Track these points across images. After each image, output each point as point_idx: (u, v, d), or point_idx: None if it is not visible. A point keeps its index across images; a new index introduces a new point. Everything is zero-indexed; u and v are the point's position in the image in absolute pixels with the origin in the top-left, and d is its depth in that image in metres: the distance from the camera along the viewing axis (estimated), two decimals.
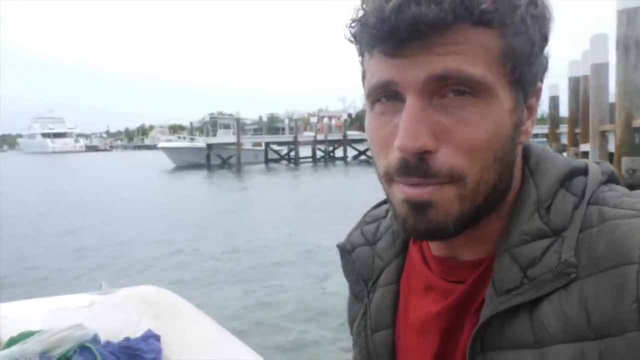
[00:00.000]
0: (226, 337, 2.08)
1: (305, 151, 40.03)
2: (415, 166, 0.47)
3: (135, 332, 2.06)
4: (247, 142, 38.82)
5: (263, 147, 39.21)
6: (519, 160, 0.54)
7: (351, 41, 0.52)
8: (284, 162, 39.50)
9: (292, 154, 38.29)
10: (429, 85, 0.46)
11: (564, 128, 17.27)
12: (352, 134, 47.54)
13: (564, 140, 15.98)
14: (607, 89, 9.81)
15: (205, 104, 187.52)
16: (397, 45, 0.46)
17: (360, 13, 0.48)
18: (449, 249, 0.56)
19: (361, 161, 40.15)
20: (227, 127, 41.51)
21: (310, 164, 37.62)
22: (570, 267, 0.46)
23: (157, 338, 2.03)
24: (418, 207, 0.48)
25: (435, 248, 0.58)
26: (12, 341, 1.79)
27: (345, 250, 0.68)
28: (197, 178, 25.91)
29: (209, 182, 24.70)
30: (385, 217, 0.68)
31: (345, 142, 40.47)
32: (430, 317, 0.56)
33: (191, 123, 39.48)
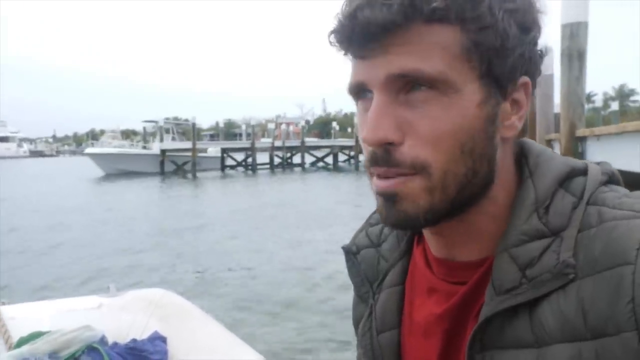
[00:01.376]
0: (232, 340, 2.08)
1: (262, 157, 39.75)
2: (381, 157, 0.49)
3: (142, 334, 2.07)
4: (212, 150, 38.06)
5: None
6: (508, 158, 0.54)
7: (334, 47, 0.54)
8: (241, 168, 39.01)
9: (250, 160, 37.85)
10: (391, 83, 0.48)
11: None
12: (310, 140, 47.69)
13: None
14: (553, 99, 10.22)
15: (163, 107, 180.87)
16: (359, 48, 0.49)
17: (334, 21, 0.50)
18: (447, 249, 0.56)
19: (319, 168, 40.31)
20: (182, 133, 40.48)
21: (268, 171, 37.36)
22: (568, 268, 0.47)
23: (163, 340, 2.05)
24: (387, 198, 0.50)
25: (435, 249, 0.58)
26: (22, 341, 1.82)
27: (351, 252, 0.68)
28: (141, 186, 24.71)
29: (159, 190, 23.90)
30: None
31: (303, 149, 40.52)
32: (433, 318, 0.56)
33: (144, 128, 38.11)
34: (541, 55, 0.52)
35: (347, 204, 15.87)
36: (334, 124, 56.93)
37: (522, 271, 0.49)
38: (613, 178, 0.54)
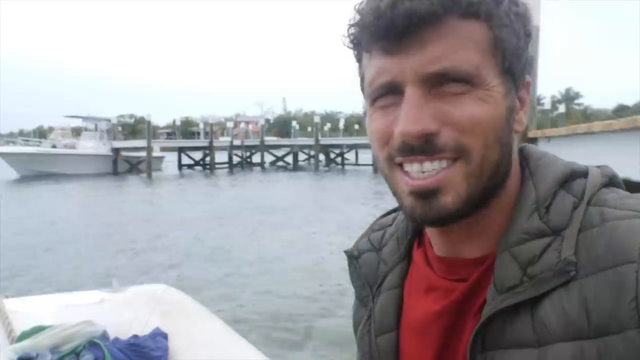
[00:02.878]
0: (233, 337, 2.09)
1: (221, 157, 39.08)
2: (419, 147, 0.49)
3: (143, 329, 2.07)
4: (157, 146, 36.80)
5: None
6: (515, 157, 0.55)
7: (350, 47, 0.54)
8: (199, 168, 38.19)
9: (208, 159, 37.13)
10: (427, 79, 0.49)
11: None
12: (270, 139, 47.38)
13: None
14: None
15: (121, 102, 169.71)
16: (395, 40, 0.49)
17: (357, 17, 0.51)
18: (451, 247, 0.56)
19: (278, 167, 40.09)
20: (136, 131, 39.02)
21: (227, 170, 36.77)
22: (569, 265, 0.47)
23: (164, 336, 2.04)
24: (426, 195, 0.50)
25: (438, 248, 0.58)
26: (24, 335, 1.83)
27: (353, 257, 0.69)
28: (82, 188, 23.03)
29: (108, 191, 22.84)
30: (391, 224, 0.68)
31: (263, 148, 40.20)
32: (431, 316, 0.56)
33: (96, 125, 36.42)
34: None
35: (308, 202, 15.81)
36: (294, 123, 56.83)
37: (523, 269, 0.49)
38: (614, 181, 0.54)
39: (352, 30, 0.52)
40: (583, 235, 0.48)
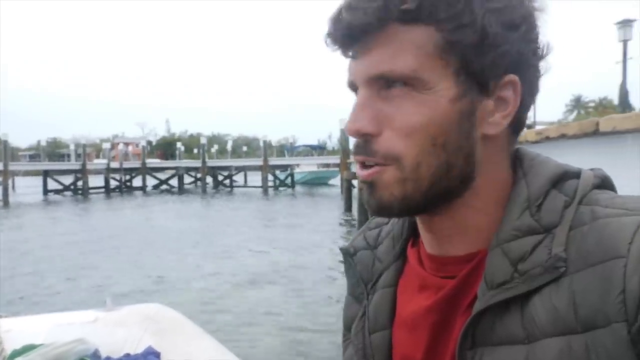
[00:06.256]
0: (226, 355, 2.11)
1: (97, 181, 35.86)
2: (361, 147, 0.52)
3: (136, 348, 2.08)
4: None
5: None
6: (497, 155, 0.55)
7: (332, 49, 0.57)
8: (69, 193, 34.52)
9: (80, 183, 33.74)
10: (372, 81, 0.52)
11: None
12: (152, 162, 44.80)
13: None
14: None
15: None
16: (348, 46, 0.53)
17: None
18: (438, 245, 0.57)
19: (162, 190, 37.92)
20: None
21: (103, 195, 33.86)
22: (559, 262, 0.47)
23: (156, 355, 2.05)
24: (367, 186, 0.53)
25: (428, 246, 0.59)
26: (15, 354, 1.85)
27: (348, 254, 0.70)
28: None
29: None
30: (387, 223, 0.69)
31: (144, 171, 37.96)
32: (421, 311, 0.57)
33: None
34: (540, 52, 0.53)
35: (193, 226, 14.91)
36: (179, 144, 54.59)
37: (513, 265, 0.50)
38: (606, 182, 0.55)
39: (325, 34, 0.55)
40: (574, 233, 0.49)
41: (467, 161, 0.52)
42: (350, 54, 0.53)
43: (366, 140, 0.52)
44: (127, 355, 2.09)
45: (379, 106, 0.51)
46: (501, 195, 0.55)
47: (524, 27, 0.51)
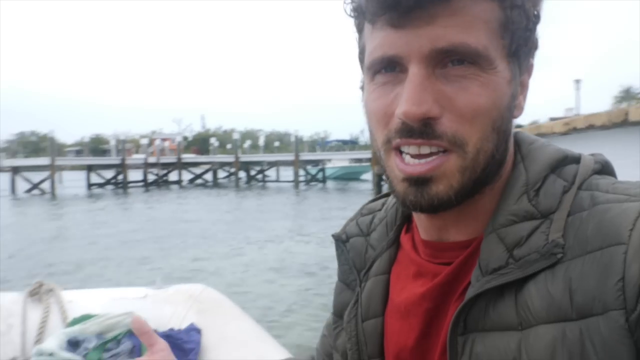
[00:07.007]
0: (264, 337, 2.23)
1: (136, 175, 37.06)
2: (419, 130, 0.47)
3: (180, 324, 2.25)
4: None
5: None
6: (511, 143, 0.54)
7: (352, 16, 0.52)
8: (111, 187, 35.91)
9: (120, 177, 35.04)
10: (433, 56, 0.47)
11: None
12: (188, 156, 45.82)
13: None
14: None
15: (24, 119, 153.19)
16: (403, 14, 0.46)
17: None
18: (438, 231, 0.56)
19: (197, 185, 38.85)
20: (39, 149, 35.85)
21: (142, 189, 34.97)
22: (557, 248, 0.46)
23: (198, 331, 2.20)
24: (419, 183, 0.49)
25: (424, 232, 0.57)
26: (75, 321, 2.11)
27: (340, 240, 0.68)
28: None
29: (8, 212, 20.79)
30: (380, 209, 0.68)
31: (180, 166, 38.84)
32: (415, 298, 0.56)
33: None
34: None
35: (228, 220, 15.41)
36: (213, 140, 55.71)
37: (509, 251, 0.48)
38: (606, 168, 0.54)
39: None
40: (572, 218, 0.47)
41: (507, 145, 0.52)
42: (402, 23, 0.47)
43: (426, 124, 0.47)
44: (172, 329, 2.23)
45: (438, 86, 0.47)
46: (502, 180, 0.53)
47: (540, 16, 0.51)
